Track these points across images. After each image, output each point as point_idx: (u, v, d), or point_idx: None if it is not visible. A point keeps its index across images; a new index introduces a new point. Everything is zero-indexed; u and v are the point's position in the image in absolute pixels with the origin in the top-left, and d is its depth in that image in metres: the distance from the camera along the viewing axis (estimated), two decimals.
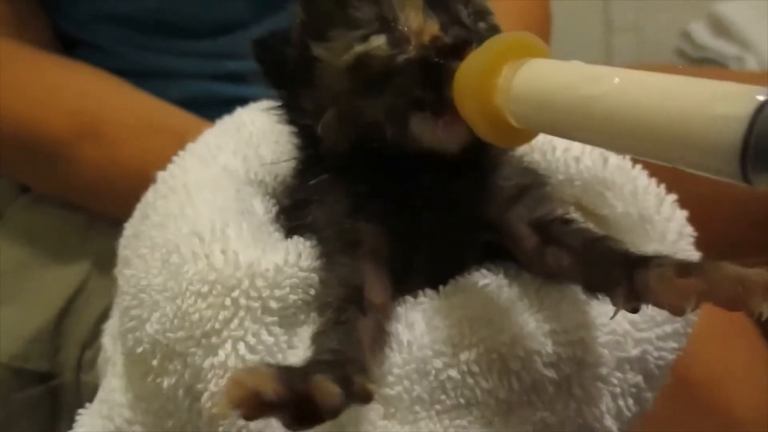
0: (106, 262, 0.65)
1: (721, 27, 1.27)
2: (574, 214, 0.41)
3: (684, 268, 0.29)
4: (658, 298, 0.29)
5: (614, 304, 0.32)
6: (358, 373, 0.29)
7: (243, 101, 0.51)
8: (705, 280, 0.28)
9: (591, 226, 0.39)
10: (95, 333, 0.64)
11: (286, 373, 0.27)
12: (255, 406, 0.26)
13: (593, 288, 0.34)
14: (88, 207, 0.66)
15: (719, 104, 0.22)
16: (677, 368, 0.59)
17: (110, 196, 0.63)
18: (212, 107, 0.61)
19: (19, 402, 0.66)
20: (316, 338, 0.32)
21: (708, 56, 1.25)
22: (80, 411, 0.42)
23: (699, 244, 0.44)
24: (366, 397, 0.29)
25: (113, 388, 0.40)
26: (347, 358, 0.30)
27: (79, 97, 0.64)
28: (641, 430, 0.58)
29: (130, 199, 0.51)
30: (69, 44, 0.71)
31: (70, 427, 0.66)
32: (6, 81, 0.63)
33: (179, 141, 0.56)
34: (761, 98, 0.22)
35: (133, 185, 0.58)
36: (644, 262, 0.31)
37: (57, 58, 0.68)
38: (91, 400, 0.63)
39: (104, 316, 0.64)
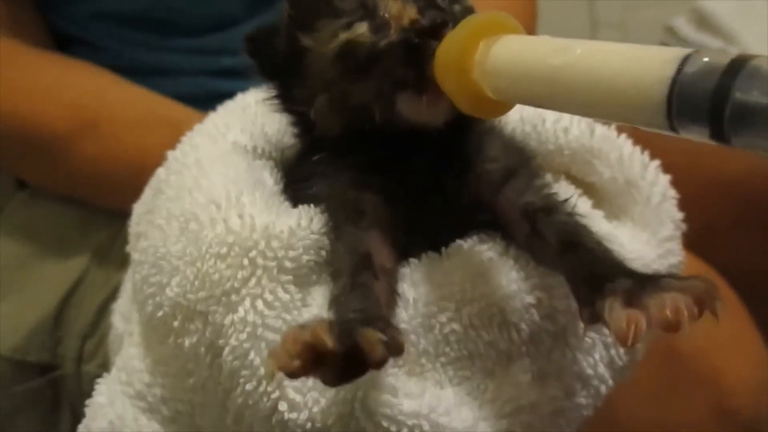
0: (104, 254, 0.68)
1: (704, 21, 1.32)
2: (564, 183, 0.45)
3: (631, 296, 0.32)
4: (609, 328, 0.32)
5: (582, 321, 0.35)
6: (388, 327, 0.32)
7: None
8: (643, 310, 0.31)
9: (576, 198, 0.41)
10: (95, 324, 0.66)
11: (336, 326, 0.30)
12: (310, 360, 0.28)
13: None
14: (87, 200, 0.69)
15: (652, 67, 0.26)
16: (664, 340, 0.62)
17: (109, 189, 0.66)
18: (206, 102, 0.63)
19: (20, 394, 0.67)
20: (335, 302, 0.35)
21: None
22: (98, 380, 0.45)
23: (690, 224, 0.47)
24: (400, 350, 0.32)
25: (131, 356, 0.43)
26: (373, 316, 0.33)
27: (76, 92, 0.66)
28: (631, 402, 0.62)
29: (129, 190, 0.53)
30: (63, 42, 0.73)
31: (72, 418, 0.68)
32: (3, 78, 0.65)
33: (176, 133, 0.59)
34: (678, 61, 0.26)
35: (132, 177, 0.61)
36: (602, 287, 0.33)
37: (53, 55, 0.70)
38: (91, 390, 0.66)
39: (104, 307, 0.66)
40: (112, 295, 0.66)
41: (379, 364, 0.30)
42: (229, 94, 0.56)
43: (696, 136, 0.26)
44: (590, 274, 0.35)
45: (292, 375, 0.29)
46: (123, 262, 0.66)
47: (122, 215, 0.64)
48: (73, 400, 0.68)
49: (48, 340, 0.66)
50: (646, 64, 0.27)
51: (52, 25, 0.73)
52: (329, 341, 0.29)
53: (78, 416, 0.68)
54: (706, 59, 0.26)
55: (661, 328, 0.30)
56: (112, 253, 0.68)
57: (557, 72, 0.29)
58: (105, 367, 0.64)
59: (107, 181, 0.66)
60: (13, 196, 0.72)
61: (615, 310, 0.31)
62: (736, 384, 0.63)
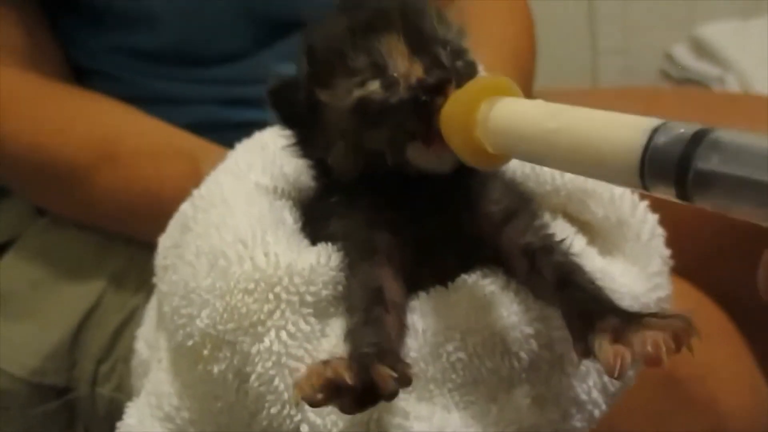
0: (120, 279, 0.72)
1: (702, 49, 1.38)
2: (561, 221, 0.50)
3: (618, 333, 0.36)
4: (599, 362, 0.37)
5: (576, 354, 0.39)
6: (398, 362, 0.37)
7: (248, 125, 0.59)
8: (628, 345, 0.35)
9: (573, 238, 0.46)
10: (110, 348, 0.70)
11: (353, 362, 0.35)
12: (331, 392, 0.34)
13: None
14: (104, 228, 0.72)
15: (628, 135, 0.31)
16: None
17: (127, 218, 0.70)
18: (219, 131, 0.68)
19: (36, 416, 0.70)
20: (351, 335, 0.40)
21: (690, 77, 1.36)
22: (128, 404, 0.49)
23: (686, 253, 0.51)
24: (408, 382, 0.37)
25: (160, 380, 0.47)
26: (386, 350, 0.38)
27: (95, 124, 0.71)
28: (630, 427, 0.66)
29: (146, 219, 0.58)
30: (79, 73, 0.78)
31: None
32: (25, 110, 0.70)
33: (192, 163, 0.64)
34: (650, 131, 0.30)
35: (149, 206, 0.65)
36: (593, 323, 0.37)
37: (73, 87, 0.74)
38: (105, 412, 0.70)
39: (119, 331, 0.70)
40: (127, 320, 0.70)
41: (391, 397, 0.35)
42: (241, 123, 0.60)
43: (664, 195, 0.30)
44: (582, 312, 0.39)
45: (314, 405, 0.34)
46: (138, 287, 0.70)
47: (138, 242, 0.69)
48: (87, 422, 0.72)
49: (64, 363, 0.70)
50: (623, 131, 0.31)
51: (68, 58, 0.78)
52: (348, 378, 0.34)
53: None
54: (674, 130, 0.30)
55: (644, 362, 0.35)
56: (128, 279, 0.71)
57: (548, 135, 0.34)
58: (119, 390, 0.68)
59: (125, 210, 0.69)
60: (32, 223, 0.76)
61: (604, 346, 0.36)
62: (732, 408, 0.66)
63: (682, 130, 0.30)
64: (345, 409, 0.35)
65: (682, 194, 0.30)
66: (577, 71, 1.49)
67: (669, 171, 0.29)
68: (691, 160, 0.29)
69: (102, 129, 0.71)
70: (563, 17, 1.40)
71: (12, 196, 0.79)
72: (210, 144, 0.69)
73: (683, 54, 1.40)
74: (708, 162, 0.29)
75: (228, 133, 0.61)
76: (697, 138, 0.29)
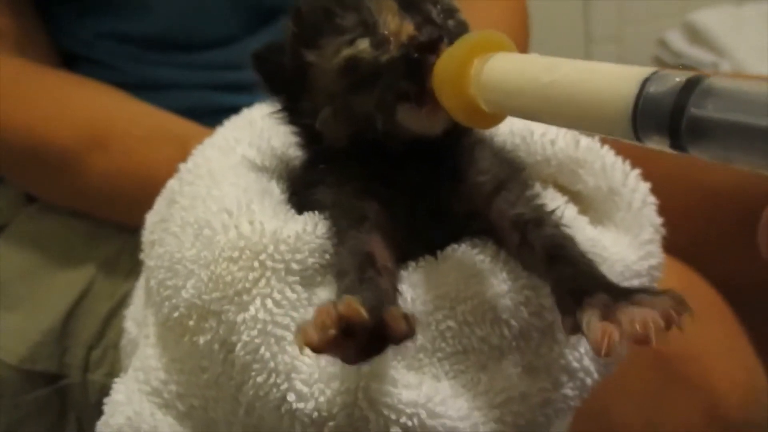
0: (111, 266, 0.72)
1: (696, 35, 1.38)
2: (552, 191, 0.49)
3: (606, 310, 0.35)
4: (587, 339, 0.36)
5: (564, 330, 0.38)
6: (403, 311, 0.35)
7: (239, 110, 0.58)
8: (616, 323, 0.34)
9: (563, 209, 0.45)
10: (101, 334, 0.70)
11: (366, 302, 0.33)
12: (342, 331, 0.31)
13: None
14: (95, 214, 0.72)
15: (620, 85, 0.30)
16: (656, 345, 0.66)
17: (118, 203, 0.69)
18: (210, 116, 0.67)
19: (28, 403, 0.70)
20: (346, 294, 0.37)
21: (684, 63, 1.36)
22: (116, 380, 0.49)
23: (679, 233, 0.51)
24: (413, 331, 0.35)
25: (147, 356, 0.47)
26: (385, 302, 0.36)
27: (86, 109, 0.70)
28: (624, 406, 0.65)
29: (138, 205, 0.57)
30: (69, 60, 0.77)
31: (77, 426, 0.72)
32: (16, 96, 0.69)
33: (184, 148, 0.63)
34: (642, 80, 0.29)
35: (141, 192, 0.64)
36: (582, 300, 0.36)
37: (63, 73, 0.74)
38: (97, 399, 0.69)
39: (109, 317, 0.70)
40: (118, 306, 0.69)
41: (401, 339, 0.34)
42: (233, 108, 0.60)
43: (658, 146, 0.29)
44: (572, 287, 0.39)
45: (320, 349, 0.32)
46: (129, 273, 0.70)
47: (129, 229, 0.69)
48: (78, 409, 0.72)
49: (55, 350, 0.69)
50: (615, 82, 0.31)
51: (57, 44, 0.77)
52: (364, 312, 0.32)
53: (83, 425, 0.72)
54: (666, 78, 0.29)
55: (632, 340, 0.33)
56: (119, 265, 0.71)
57: (544, 89, 0.33)
58: (111, 375, 0.67)
59: (116, 195, 0.69)
60: (21, 211, 0.76)
61: (592, 323, 0.35)
62: (726, 388, 0.65)
63: (675, 79, 0.29)
64: (350, 357, 0.33)
65: (676, 143, 0.29)
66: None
67: (662, 120, 0.29)
68: (684, 107, 0.28)
69: (93, 114, 0.71)
70: (557, 5, 1.39)
71: (1, 183, 0.78)
72: (201, 128, 0.69)
73: (677, 40, 1.40)
74: (701, 109, 0.28)
75: (219, 118, 0.60)
76: (690, 85, 0.28)
